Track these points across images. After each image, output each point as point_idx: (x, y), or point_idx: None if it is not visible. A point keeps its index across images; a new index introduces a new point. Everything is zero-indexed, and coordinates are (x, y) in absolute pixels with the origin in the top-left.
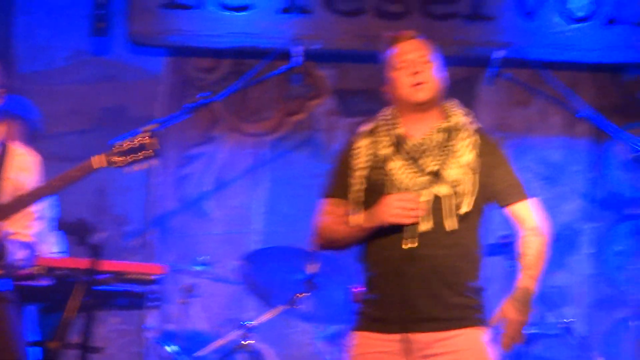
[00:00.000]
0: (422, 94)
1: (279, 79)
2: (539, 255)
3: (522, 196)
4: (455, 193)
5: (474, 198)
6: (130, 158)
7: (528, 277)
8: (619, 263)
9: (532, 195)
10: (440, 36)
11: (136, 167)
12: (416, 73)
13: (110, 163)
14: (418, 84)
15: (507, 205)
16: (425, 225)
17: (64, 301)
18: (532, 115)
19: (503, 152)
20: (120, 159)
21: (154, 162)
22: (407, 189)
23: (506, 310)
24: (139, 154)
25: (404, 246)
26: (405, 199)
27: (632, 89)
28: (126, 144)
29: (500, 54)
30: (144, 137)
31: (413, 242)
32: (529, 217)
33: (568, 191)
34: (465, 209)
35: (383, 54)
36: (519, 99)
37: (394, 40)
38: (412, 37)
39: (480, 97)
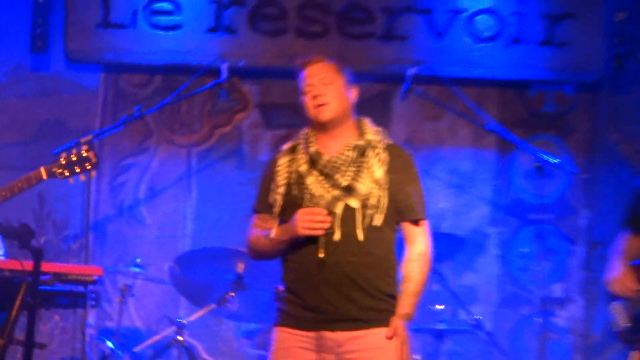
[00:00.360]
0: (324, 115)
1: (207, 94)
2: (421, 282)
3: (418, 217)
4: (366, 206)
5: (384, 211)
6: (70, 170)
7: (409, 305)
8: (522, 264)
9: (427, 218)
10: (357, 55)
11: (73, 180)
12: (317, 96)
13: (52, 175)
14: (319, 105)
15: (404, 221)
16: (337, 235)
17: (8, 301)
18: (442, 129)
19: (414, 170)
20: (61, 170)
21: (93, 175)
22: (321, 203)
23: (397, 328)
24: (79, 166)
25: (318, 254)
26: (314, 213)
27: (535, 104)
28: (67, 157)
29: (412, 71)
30: (84, 151)
31: (324, 251)
32: (419, 241)
33: (476, 198)
34: (377, 222)
35: (298, 77)
36: (431, 113)
37: (302, 65)
38: (317, 62)
39: (394, 111)
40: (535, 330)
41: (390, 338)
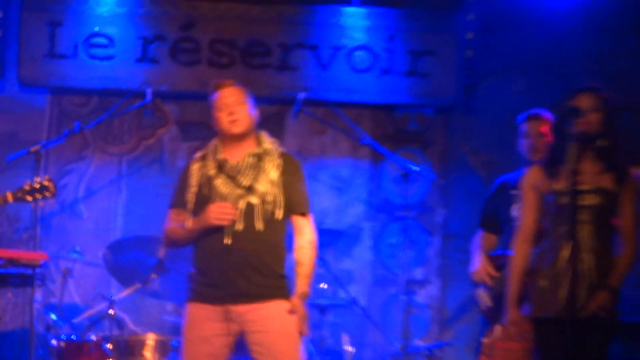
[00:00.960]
0: (237, 128)
1: (135, 113)
2: (312, 265)
3: (304, 211)
4: (265, 202)
5: (282, 206)
6: (32, 196)
7: (305, 285)
8: (390, 252)
9: (311, 212)
10: (257, 82)
11: (34, 205)
12: (231, 113)
13: (17, 199)
14: (233, 121)
15: (294, 214)
16: (239, 226)
17: None
18: (326, 142)
19: (302, 173)
20: (24, 195)
21: (51, 202)
22: (226, 200)
23: (296, 305)
24: (40, 193)
25: (224, 241)
26: (223, 207)
27: (401, 123)
28: (31, 185)
29: (302, 95)
30: (46, 181)
31: (230, 239)
32: (306, 231)
33: (353, 199)
34: (277, 216)
35: (211, 97)
36: (317, 129)
37: (217, 87)
38: (230, 85)
39: (287, 128)
40: (400, 306)
41: (291, 313)
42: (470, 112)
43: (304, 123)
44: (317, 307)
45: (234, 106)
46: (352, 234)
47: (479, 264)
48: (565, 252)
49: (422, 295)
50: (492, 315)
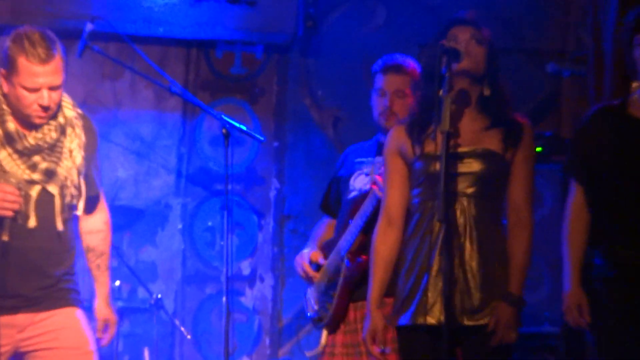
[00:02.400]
0: None
1: None
2: (109, 252)
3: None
4: (64, 192)
5: (84, 198)
6: None
7: (108, 280)
8: (208, 239)
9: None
10: (29, 8)
11: None
12: None
13: None
14: None
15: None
16: (32, 222)
17: None
18: (121, 89)
19: (95, 142)
20: None
21: None
22: (12, 181)
23: (99, 310)
24: None
25: (2, 238)
26: (5, 192)
27: (222, 66)
28: None
29: (89, 26)
30: None
31: (7, 235)
32: (101, 208)
33: (158, 166)
34: (79, 211)
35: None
36: (109, 72)
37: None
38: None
39: (70, 70)
40: (221, 311)
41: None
42: (313, 53)
43: (91, 64)
44: None
45: None
46: (156, 214)
47: (305, 254)
48: (435, 238)
49: (250, 297)
50: (318, 320)
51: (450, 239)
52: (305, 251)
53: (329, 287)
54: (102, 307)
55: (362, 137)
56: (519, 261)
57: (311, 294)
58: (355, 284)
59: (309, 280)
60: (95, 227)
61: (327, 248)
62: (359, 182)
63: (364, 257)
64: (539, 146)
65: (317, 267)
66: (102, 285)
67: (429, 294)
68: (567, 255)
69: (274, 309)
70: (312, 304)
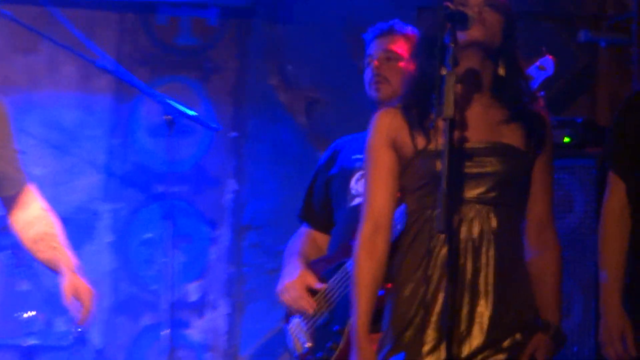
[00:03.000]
0: None
1: None
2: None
3: (24, 180)
4: None
5: None
6: None
7: (69, 255)
8: (145, 255)
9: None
10: None
11: None
12: None
13: None
14: None
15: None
16: None
17: None
18: (38, 65)
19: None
20: None
21: None
22: None
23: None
24: None
25: None
26: None
27: (164, 35)
28: None
29: None
30: None
31: None
32: (36, 197)
33: (83, 163)
34: None
35: None
36: (23, 45)
37: None
38: None
39: None
40: (162, 346)
41: None
42: (282, 18)
43: (1, 34)
44: (20, 350)
45: None
46: (80, 223)
47: (291, 278)
48: (440, 256)
49: (199, 329)
50: None
51: (456, 259)
52: (293, 272)
53: (331, 321)
54: (72, 278)
55: (344, 125)
56: (550, 285)
57: (300, 326)
58: (374, 321)
59: (298, 310)
60: (32, 216)
61: (319, 269)
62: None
63: (387, 285)
64: (567, 136)
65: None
66: (65, 260)
67: (427, 335)
68: (605, 270)
69: (230, 344)
70: (302, 340)
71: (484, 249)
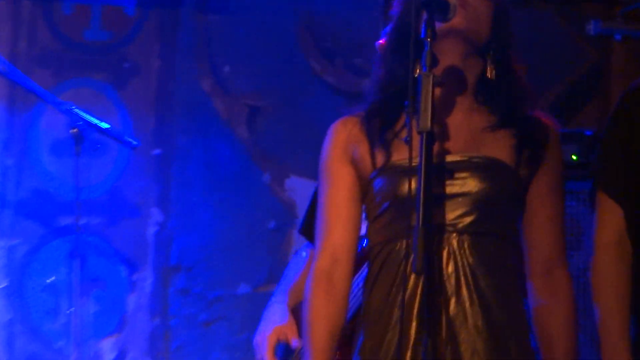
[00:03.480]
0: None
1: None
2: None
3: None
4: None
5: None
6: None
7: None
8: (47, 304)
9: None
10: None
11: None
12: None
13: None
14: None
15: None
16: None
17: None
18: None
19: None
20: None
21: None
22: None
23: None
24: None
25: None
26: None
27: (70, 28)
28: None
29: None
30: None
31: None
32: None
33: None
34: None
35: None
36: None
37: None
38: None
39: None
40: None
41: None
42: (217, 8)
43: None
44: None
45: None
46: None
47: (268, 328)
48: (410, 301)
49: None
50: None
51: (435, 303)
52: (277, 318)
53: None
54: None
55: (293, 139)
56: (562, 344)
57: None
58: None
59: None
60: None
61: None
62: None
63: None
64: (574, 153)
65: (287, 351)
66: None
67: None
68: (605, 318)
69: None
70: None
71: (462, 291)
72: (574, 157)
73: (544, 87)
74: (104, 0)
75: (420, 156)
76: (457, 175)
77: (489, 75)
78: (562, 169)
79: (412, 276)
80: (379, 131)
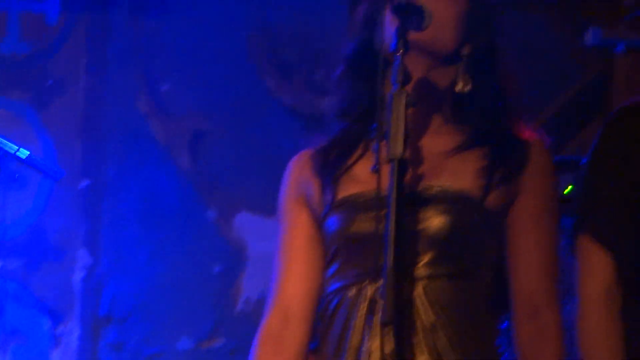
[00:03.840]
0: None
1: None
2: None
3: None
4: None
5: None
6: None
7: None
8: None
9: None
10: None
11: None
12: None
13: None
14: None
15: None
16: None
17: None
18: None
19: None
20: None
21: None
22: None
23: None
24: None
25: None
26: None
27: None
28: None
29: None
30: None
31: None
32: None
33: None
34: None
35: None
36: None
37: None
38: None
39: None
40: None
41: None
42: (154, 12)
43: None
44: None
45: None
46: None
47: None
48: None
49: None
50: None
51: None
52: None
53: None
54: None
55: (242, 167)
56: None
57: None
58: None
59: None
60: None
61: None
62: None
63: None
64: (572, 183)
65: None
66: None
67: None
68: None
69: None
70: None
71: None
72: (568, 189)
73: (536, 107)
74: (22, 5)
75: (391, 187)
76: (414, 209)
77: (459, 88)
78: (552, 192)
79: (381, 331)
80: (330, 164)
